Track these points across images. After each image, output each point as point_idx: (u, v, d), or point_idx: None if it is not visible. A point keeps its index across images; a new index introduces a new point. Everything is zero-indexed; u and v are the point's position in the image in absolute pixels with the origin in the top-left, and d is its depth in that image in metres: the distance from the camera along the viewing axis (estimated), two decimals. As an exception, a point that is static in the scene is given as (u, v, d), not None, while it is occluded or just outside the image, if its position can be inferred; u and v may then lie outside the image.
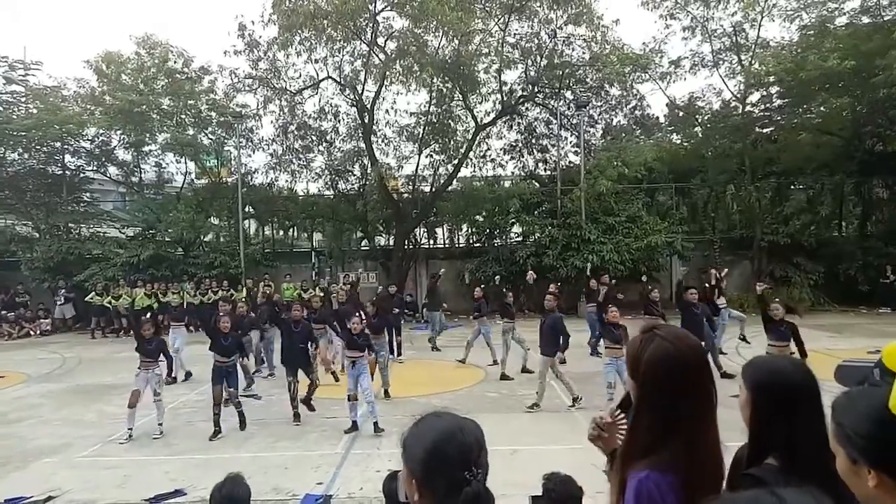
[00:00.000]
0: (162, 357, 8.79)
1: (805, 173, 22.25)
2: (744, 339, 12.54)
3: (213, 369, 8.50)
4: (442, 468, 1.33)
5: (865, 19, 19.47)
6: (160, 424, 8.35)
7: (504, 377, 11.06)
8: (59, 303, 20.60)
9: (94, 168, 23.70)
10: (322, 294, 15.12)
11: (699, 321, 9.65)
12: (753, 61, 20.51)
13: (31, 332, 19.64)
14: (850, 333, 15.02)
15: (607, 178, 19.72)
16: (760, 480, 1.50)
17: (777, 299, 9.70)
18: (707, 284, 12.19)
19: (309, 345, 9.11)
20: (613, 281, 16.36)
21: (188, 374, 12.05)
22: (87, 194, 24.28)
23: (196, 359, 12.96)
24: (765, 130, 22.83)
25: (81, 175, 23.63)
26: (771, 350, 8.10)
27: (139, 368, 8.49)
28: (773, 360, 1.72)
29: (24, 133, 20.15)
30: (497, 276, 18.57)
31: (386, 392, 10.13)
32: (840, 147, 21.50)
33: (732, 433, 1.80)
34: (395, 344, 13.28)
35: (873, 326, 16.15)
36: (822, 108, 20.95)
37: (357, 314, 9.18)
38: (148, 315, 10.70)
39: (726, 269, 14.61)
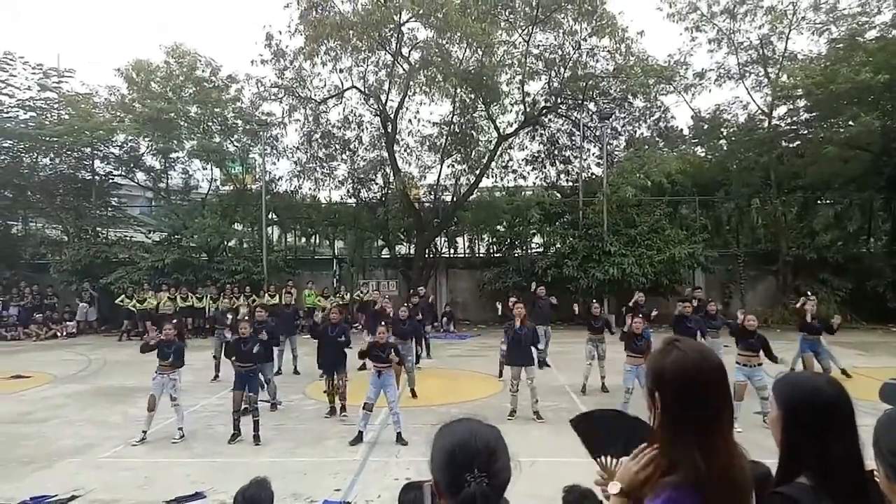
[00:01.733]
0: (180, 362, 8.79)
1: (832, 188, 21.88)
2: (843, 371, 11.07)
3: (235, 374, 8.60)
4: (448, 469, 1.39)
5: (896, 33, 19.16)
6: (180, 429, 8.41)
7: (603, 389, 10.79)
8: (82, 305, 20.96)
9: (123, 174, 24.16)
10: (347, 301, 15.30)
11: (692, 333, 9.71)
12: (781, 74, 20.25)
13: (58, 334, 20.00)
14: (879, 352, 14.68)
15: (630, 185, 19.60)
16: (790, 498, 1.47)
17: (741, 310, 10.35)
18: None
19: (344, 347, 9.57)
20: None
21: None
22: (115, 199, 24.79)
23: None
24: (791, 144, 22.49)
25: (110, 180, 24.19)
26: (740, 359, 8.60)
27: (156, 373, 8.56)
28: (806, 378, 1.69)
29: (56, 139, 20.64)
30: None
31: (413, 392, 10.67)
32: (869, 162, 21.06)
33: (755, 451, 1.76)
34: (422, 346, 13.60)
35: (903, 345, 15.77)
36: (850, 123, 20.60)
37: (381, 324, 9.26)
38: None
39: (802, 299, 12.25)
